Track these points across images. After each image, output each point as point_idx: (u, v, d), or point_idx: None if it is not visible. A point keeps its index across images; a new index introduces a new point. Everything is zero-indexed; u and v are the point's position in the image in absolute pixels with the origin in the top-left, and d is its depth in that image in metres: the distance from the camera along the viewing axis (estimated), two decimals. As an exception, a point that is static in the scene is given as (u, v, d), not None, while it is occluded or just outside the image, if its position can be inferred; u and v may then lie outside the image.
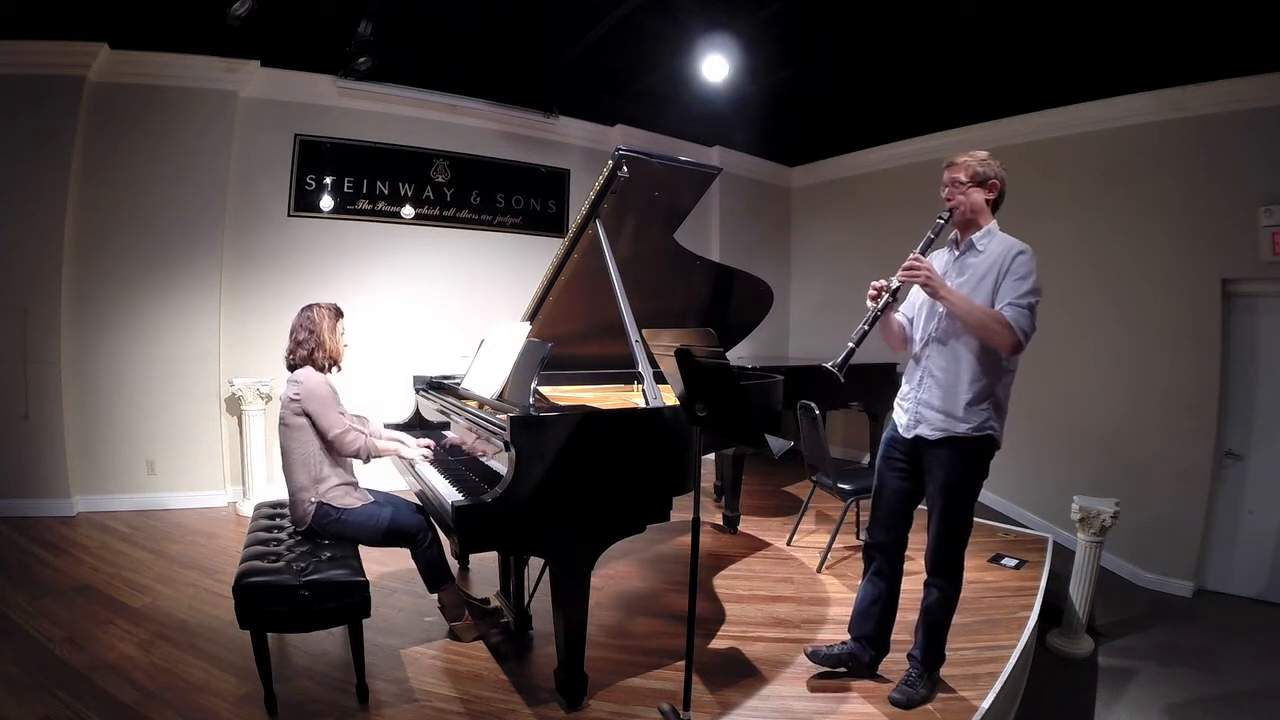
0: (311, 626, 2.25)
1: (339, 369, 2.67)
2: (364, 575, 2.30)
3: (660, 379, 2.27)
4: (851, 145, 6.52)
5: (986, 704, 2.29)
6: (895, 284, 2.22)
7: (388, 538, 2.58)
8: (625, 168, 2.44)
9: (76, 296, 4.27)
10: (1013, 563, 3.67)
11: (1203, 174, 4.09)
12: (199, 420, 4.58)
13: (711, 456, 4.42)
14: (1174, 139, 4.21)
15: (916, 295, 2.40)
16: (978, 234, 2.25)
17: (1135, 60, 4.16)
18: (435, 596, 2.73)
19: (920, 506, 2.40)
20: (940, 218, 2.26)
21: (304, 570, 2.24)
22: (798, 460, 4.15)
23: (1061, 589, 3.38)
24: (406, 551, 2.67)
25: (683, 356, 1.90)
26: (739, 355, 5.05)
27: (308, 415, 2.48)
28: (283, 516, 2.73)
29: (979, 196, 2.23)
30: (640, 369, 2.40)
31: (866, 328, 2.23)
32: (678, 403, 2.09)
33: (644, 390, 2.41)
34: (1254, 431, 4.03)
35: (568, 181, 5.95)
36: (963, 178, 2.23)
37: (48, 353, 4.18)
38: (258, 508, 2.89)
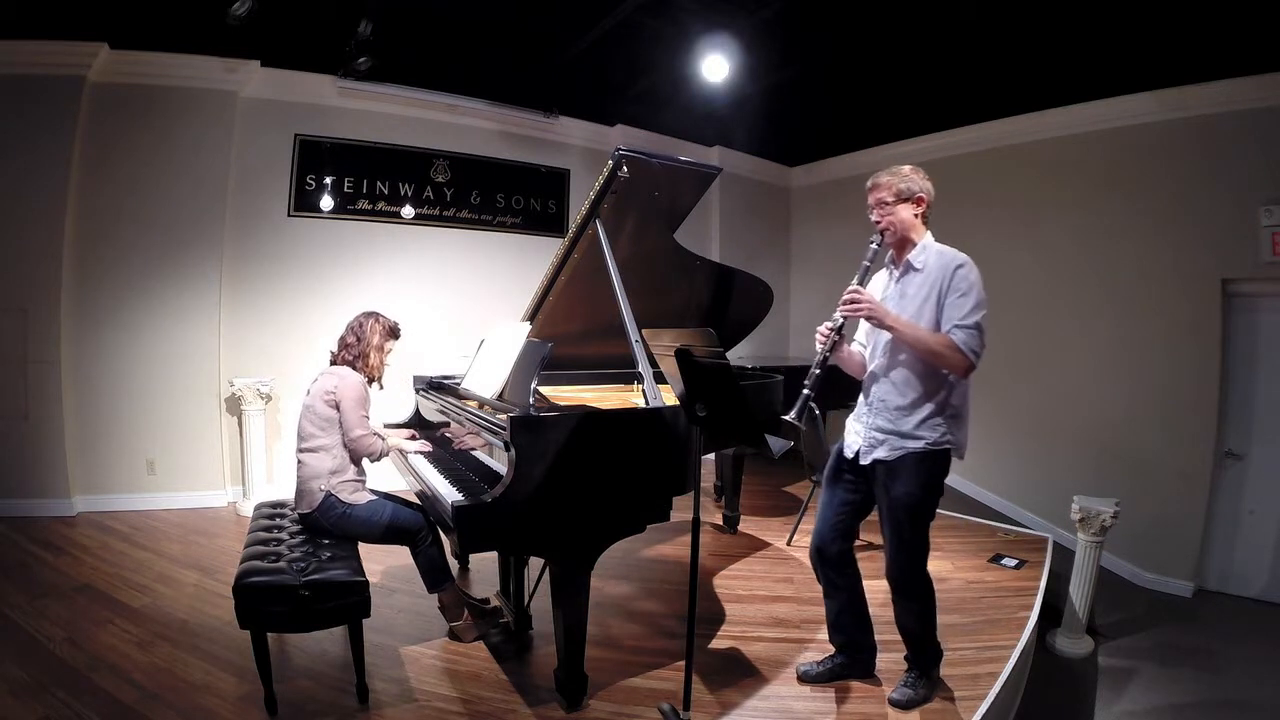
0: (311, 626, 2.26)
1: (380, 387, 2.77)
2: (364, 575, 2.30)
3: (660, 379, 2.27)
4: (851, 145, 6.51)
5: (986, 704, 2.29)
6: (840, 320, 2.19)
7: (388, 534, 2.59)
8: (625, 167, 2.44)
9: (76, 296, 4.27)
10: (1013, 563, 3.67)
11: (1203, 174, 4.08)
12: (199, 420, 4.58)
13: (711, 456, 4.42)
14: (1174, 139, 4.21)
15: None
16: (913, 252, 2.22)
17: (1135, 60, 4.16)
18: (435, 596, 2.73)
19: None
20: (872, 242, 2.24)
21: (304, 570, 2.24)
22: (798, 460, 4.15)
23: (1061, 589, 3.38)
24: (406, 551, 2.67)
25: (683, 356, 1.89)
26: (739, 355, 5.04)
27: (339, 409, 2.57)
28: (283, 516, 2.73)
29: (907, 213, 2.21)
30: (640, 369, 2.40)
31: (818, 371, 2.19)
32: (678, 403, 2.09)
33: (644, 390, 2.41)
34: (1254, 431, 4.03)
35: (568, 181, 5.94)
36: (888, 197, 2.21)
37: (48, 353, 4.18)
38: (258, 508, 2.89)
